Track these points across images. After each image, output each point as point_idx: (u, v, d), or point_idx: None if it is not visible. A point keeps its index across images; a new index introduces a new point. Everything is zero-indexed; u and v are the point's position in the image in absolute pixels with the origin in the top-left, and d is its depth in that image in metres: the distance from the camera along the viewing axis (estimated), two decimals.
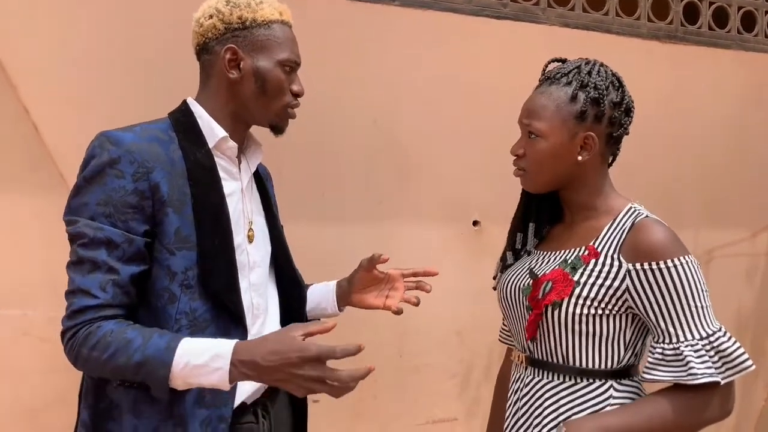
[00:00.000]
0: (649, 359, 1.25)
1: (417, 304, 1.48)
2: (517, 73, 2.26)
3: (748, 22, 2.67)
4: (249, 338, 1.29)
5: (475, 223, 2.25)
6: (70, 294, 1.17)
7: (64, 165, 1.72)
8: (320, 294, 1.55)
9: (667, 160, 2.53)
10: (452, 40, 2.18)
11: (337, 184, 2.06)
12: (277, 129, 1.36)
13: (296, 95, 1.34)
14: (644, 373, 1.25)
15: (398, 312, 1.47)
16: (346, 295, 1.53)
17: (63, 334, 1.17)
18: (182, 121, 1.30)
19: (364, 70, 2.08)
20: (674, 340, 1.22)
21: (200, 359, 1.11)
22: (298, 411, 1.45)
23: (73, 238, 1.18)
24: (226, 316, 1.25)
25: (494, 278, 1.52)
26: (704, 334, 1.22)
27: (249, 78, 1.29)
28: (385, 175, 2.12)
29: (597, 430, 1.21)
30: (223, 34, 1.29)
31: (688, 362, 1.20)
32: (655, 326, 1.24)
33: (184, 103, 1.34)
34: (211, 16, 1.29)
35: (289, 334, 1.09)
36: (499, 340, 1.62)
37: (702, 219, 2.59)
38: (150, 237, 1.20)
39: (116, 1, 1.78)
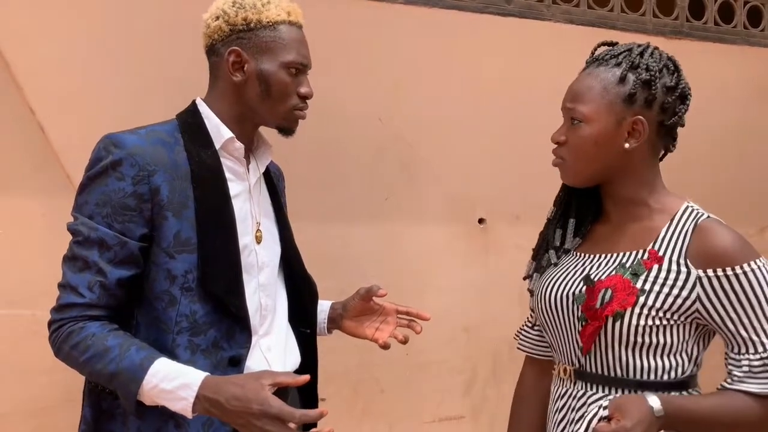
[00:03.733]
0: (736, 372, 1.16)
1: (404, 342, 1.46)
2: (522, 70, 2.26)
3: (755, 17, 2.66)
4: (255, 339, 1.30)
5: (480, 220, 2.24)
6: (61, 287, 1.21)
7: (70, 165, 1.72)
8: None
9: (673, 156, 2.51)
10: (457, 38, 2.18)
11: (343, 182, 2.06)
12: (285, 131, 1.35)
13: (304, 97, 1.32)
14: (729, 384, 1.16)
15: (385, 347, 1.45)
16: (338, 319, 1.52)
17: (49, 324, 1.21)
18: (189, 122, 1.30)
19: (368, 68, 2.07)
20: (759, 349, 1.14)
21: (169, 385, 1.13)
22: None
23: (71, 234, 1.22)
24: (229, 319, 1.25)
25: (525, 278, 1.40)
26: None
27: (253, 81, 1.28)
28: (391, 173, 2.12)
29: (661, 403, 1.12)
30: (228, 36, 1.28)
31: None
32: (733, 336, 1.16)
33: (193, 103, 1.34)
34: (217, 18, 1.29)
35: (259, 381, 1.12)
36: (518, 348, 1.48)
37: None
38: (147, 241, 1.21)
39: (122, 1, 1.78)
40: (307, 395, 1.43)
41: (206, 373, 1.16)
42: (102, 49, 1.77)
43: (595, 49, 1.31)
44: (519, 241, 2.30)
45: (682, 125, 1.27)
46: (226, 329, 1.25)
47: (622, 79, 1.21)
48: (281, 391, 1.34)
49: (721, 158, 2.59)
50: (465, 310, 2.21)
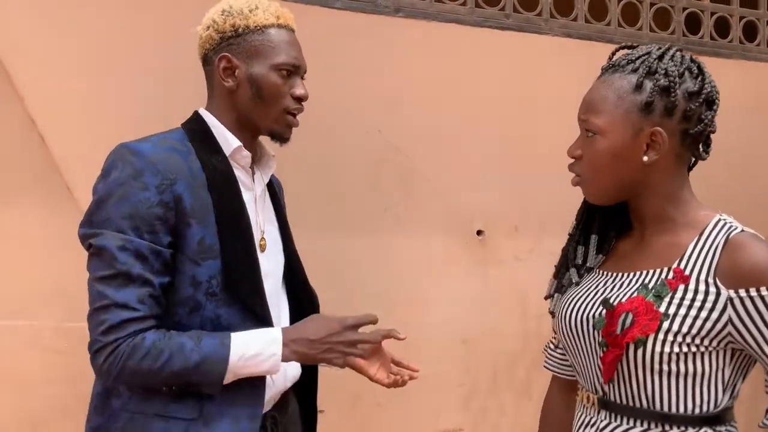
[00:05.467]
0: None
1: (402, 385, 1.46)
2: (520, 83, 2.27)
3: (750, 31, 2.69)
4: None
5: (479, 232, 2.25)
6: (102, 309, 1.15)
7: (71, 176, 1.72)
8: None
9: None
10: (456, 51, 2.19)
11: (342, 194, 2.06)
12: (279, 136, 1.33)
13: (299, 99, 1.31)
14: None
15: (392, 385, 1.45)
16: None
17: (99, 350, 1.15)
18: (197, 130, 1.31)
19: (368, 81, 2.09)
20: None
21: (253, 349, 1.19)
22: (308, 423, 1.45)
23: (98, 251, 1.17)
24: (252, 321, 1.25)
25: (546, 298, 1.30)
26: None
27: (244, 85, 1.29)
28: (390, 185, 2.13)
29: None
30: (218, 44, 1.30)
31: None
32: None
33: (196, 113, 1.34)
34: (208, 27, 1.31)
35: (322, 315, 1.30)
36: (545, 366, 1.39)
37: None
38: (173, 248, 1.20)
39: (124, 12, 1.79)
40: (307, 406, 1.44)
41: (279, 327, 1.26)
42: (103, 59, 1.77)
43: (613, 54, 1.20)
44: (517, 253, 2.31)
45: (713, 131, 1.16)
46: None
47: (638, 87, 1.10)
48: (283, 400, 1.36)
49: (717, 171, 2.60)
50: (463, 321, 2.21)
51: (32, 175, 1.72)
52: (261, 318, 1.26)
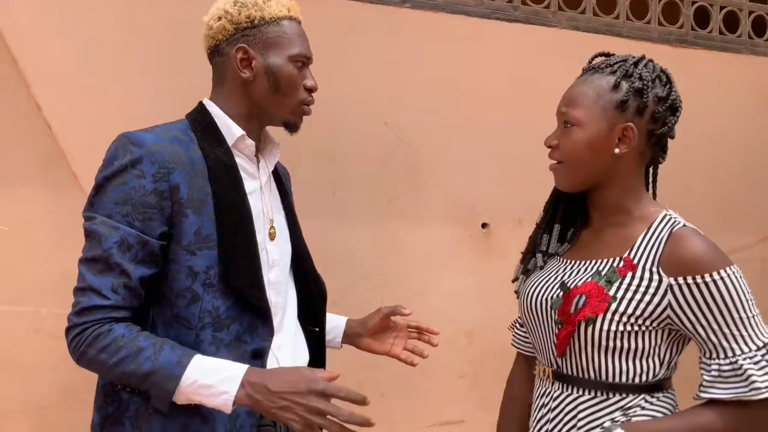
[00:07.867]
0: (706, 377, 1.18)
1: (425, 356, 1.57)
2: (527, 75, 2.27)
3: (759, 26, 2.67)
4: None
5: (483, 225, 2.25)
6: (79, 291, 1.18)
7: (77, 163, 1.73)
8: (331, 325, 1.57)
9: (677, 165, 2.51)
10: (463, 43, 2.19)
11: (348, 185, 2.07)
12: (292, 126, 1.36)
13: (310, 90, 1.34)
14: (701, 392, 1.18)
15: (409, 362, 1.55)
16: (354, 336, 1.57)
17: (69, 329, 1.18)
18: (200, 121, 1.31)
19: (375, 72, 2.08)
20: (729, 354, 1.16)
21: (209, 380, 1.13)
22: None
23: (89, 235, 1.19)
24: (251, 313, 1.25)
25: (513, 281, 1.45)
26: (760, 344, 1.16)
27: (261, 76, 1.30)
28: (395, 177, 2.13)
29: None
30: (233, 35, 1.30)
31: (749, 376, 1.13)
32: (704, 342, 1.18)
33: (200, 104, 1.35)
34: (220, 18, 1.30)
35: (302, 368, 1.15)
36: (512, 344, 1.55)
37: (711, 223, 2.56)
38: (166, 239, 1.20)
39: (131, 0, 1.79)
40: None
41: (247, 366, 1.16)
42: (109, 46, 1.78)
43: (592, 59, 1.35)
44: (522, 246, 2.30)
45: (672, 137, 1.30)
46: (249, 323, 1.25)
47: (616, 86, 1.24)
48: None
49: (724, 167, 2.60)
50: (467, 314, 2.21)
51: (38, 162, 1.72)
52: (260, 310, 1.26)
